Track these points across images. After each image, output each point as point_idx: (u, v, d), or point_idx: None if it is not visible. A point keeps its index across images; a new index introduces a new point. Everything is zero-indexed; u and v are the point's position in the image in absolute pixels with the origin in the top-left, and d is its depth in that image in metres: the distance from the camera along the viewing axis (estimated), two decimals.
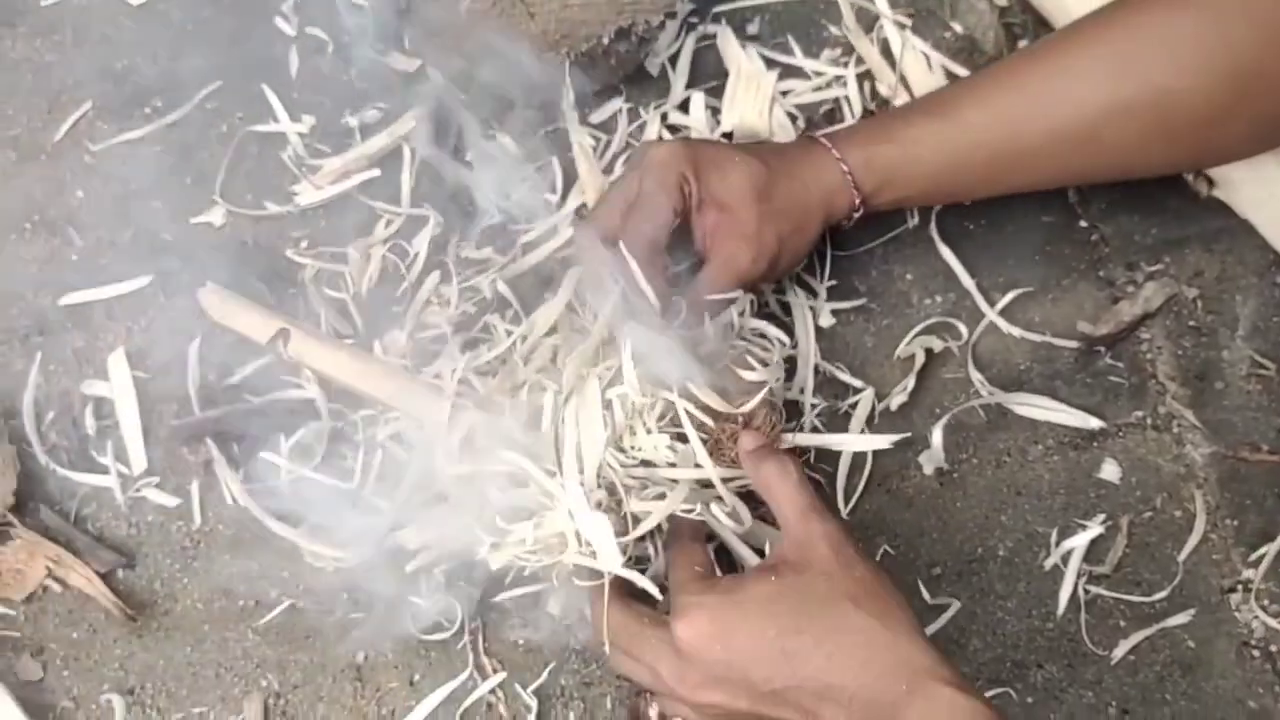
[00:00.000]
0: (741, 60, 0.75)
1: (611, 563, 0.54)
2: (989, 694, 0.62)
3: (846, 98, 0.75)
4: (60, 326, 0.69)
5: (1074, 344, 0.69)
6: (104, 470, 0.65)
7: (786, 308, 0.70)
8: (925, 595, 0.63)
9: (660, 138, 0.73)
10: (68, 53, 0.77)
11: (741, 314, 0.63)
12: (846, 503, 0.65)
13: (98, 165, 0.74)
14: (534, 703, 0.61)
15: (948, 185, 0.65)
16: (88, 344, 0.69)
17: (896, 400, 0.67)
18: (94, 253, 0.71)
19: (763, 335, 0.64)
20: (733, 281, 0.62)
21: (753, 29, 0.78)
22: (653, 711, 0.58)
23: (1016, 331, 0.69)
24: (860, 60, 0.76)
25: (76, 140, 0.74)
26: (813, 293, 0.70)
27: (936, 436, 0.66)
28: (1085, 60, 0.63)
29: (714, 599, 0.52)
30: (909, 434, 0.66)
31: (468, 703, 0.61)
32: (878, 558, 0.64)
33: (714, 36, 0.77)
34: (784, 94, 0.76)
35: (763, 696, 0.51)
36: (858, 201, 0.64)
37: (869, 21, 0.77)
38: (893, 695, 0.49)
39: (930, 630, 0.62)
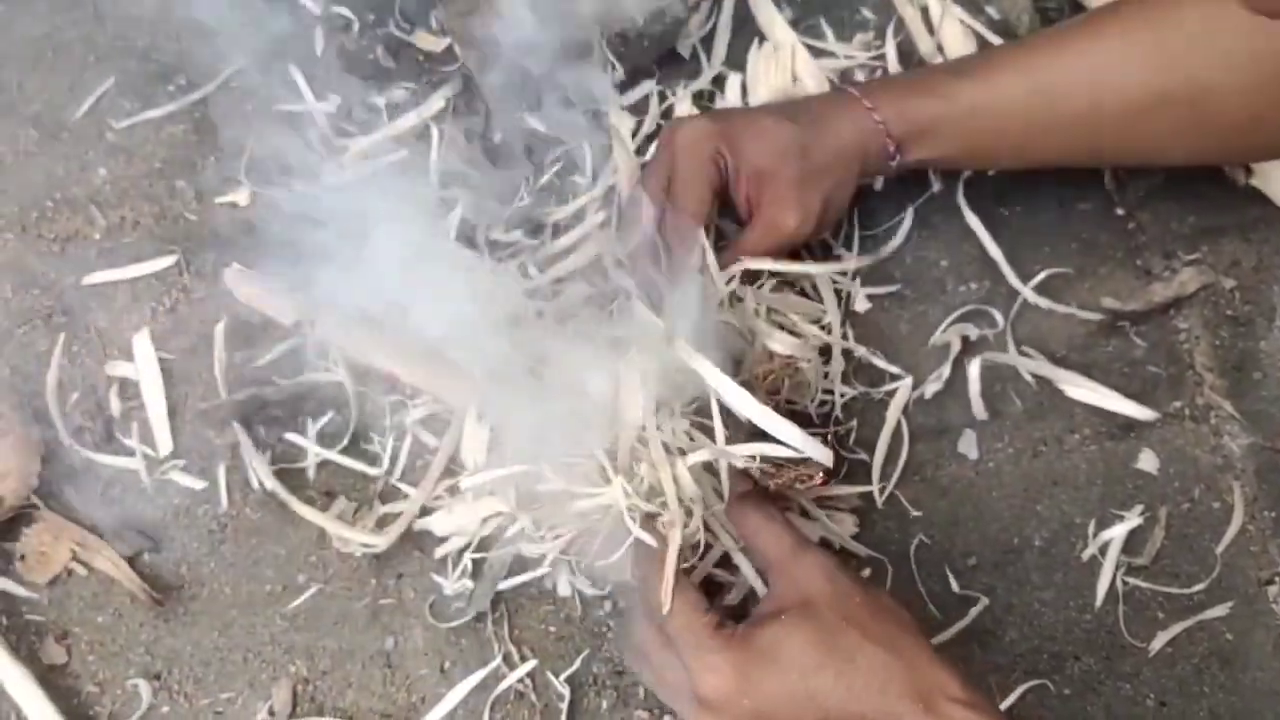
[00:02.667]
0: (775, 24, 0.74)
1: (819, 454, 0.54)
2: (1025, 686, 0.61)
3: (885, 69, 0.74)
4: (83, 307, 0.68)
5: (1098, 316, 0.68)
6: (129, 452, 0.64)
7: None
8: (954, 586, 0.63)
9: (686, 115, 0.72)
10: (89, 30, 0.75)
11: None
12: (881, 492, 0.64)
13: (120, 143, 0.73)
14: (567, 691, 0.60)
15: (979, 149, 0.64)
16: (111, 325, 0.68)
17: (931, 389, 0.67)
18: (117, 232, 0.70)
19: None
20: (778, 244, 0.62)
21: (789, 13, 0.77)
22: None
23: (1044, 302, 0.68)
24: (900, 26, 0.74)
25: (98, 118, 0.73)
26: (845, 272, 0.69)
27: (977, 403, 0.65)
28: (1127, 45, 0.61)
29: (733, 653, 0.51)
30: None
31: (498, 690, 0.60)
32: (913, 548, 0.64)
33: (746, 19, 0.75)
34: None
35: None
36: (892, 149, 0.63)
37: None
38: (911, 717, 0.49)
39: (961, 625, 0.62)
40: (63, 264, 0.69)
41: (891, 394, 0.66)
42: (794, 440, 0.54)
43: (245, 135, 0.72)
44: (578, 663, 0.61)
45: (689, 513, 0.55)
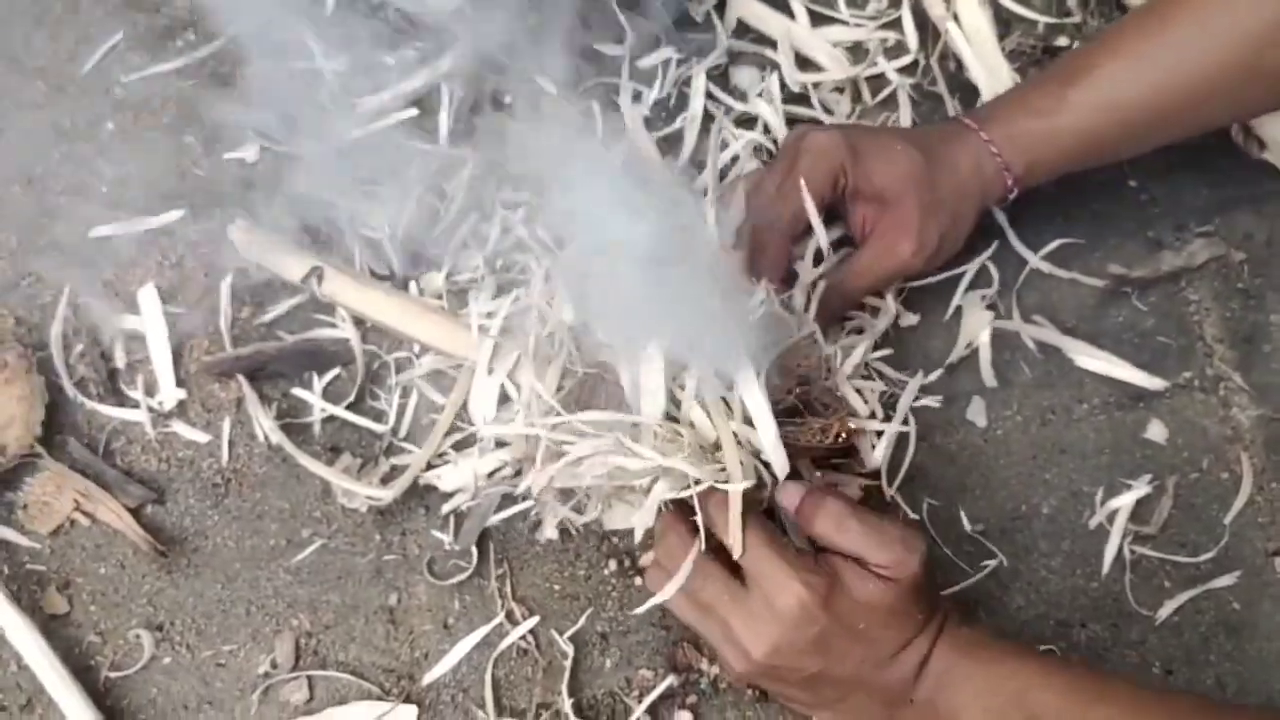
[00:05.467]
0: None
1: (778, 456, 0.53)
2: None
3: (903, 39, 0.74)
4: (89, 259, 0.67)
5: (1103, 282, 0.68)
6: (134, 404, 0.64)
7: None
8: (969, 545, 0.63)
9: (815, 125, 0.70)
10: None
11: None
12: (893, 460, 0.64)
13: (128, 97, 0.72)
14: (570, 648, 0.60)
15: (1100, 151, 0.63)
16: (117, 277, 0.67)
17: (956, 355, 0.66)
18: (123, 185, 0.70)
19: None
20: (891, 273, 0.62)
21: None
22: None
23: (1046, 266, 0.68)
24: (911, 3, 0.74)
25: (106, 71, 0.73)
26: None
27: (986, 371, 0.65)
28: (1219, 12, 0.60)
29: (825, 578, 0.51)
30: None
31: (501, 647, 0.60)
32: (922, 513, 0.63)
33: None
34: (833, 45, 0.74)
35: (837, 680, 0.52)
36: (1010, 183, 0.63)
37: None
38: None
39: (967, 584, 0.62)
40: (69, 216, 0.68)
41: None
42: (767, 444, 0.53)
43: (254, 91, 0.72)
44: (582, 620, 0.60)
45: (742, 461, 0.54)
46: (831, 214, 0.63)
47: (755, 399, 0.53)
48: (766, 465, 0.55)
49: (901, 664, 0.52)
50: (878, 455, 0.60)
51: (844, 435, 0.55)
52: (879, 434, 0.61)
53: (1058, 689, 0.51)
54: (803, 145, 0.61)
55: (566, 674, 0.59)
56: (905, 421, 0.63)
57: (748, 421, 0.54)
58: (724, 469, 0.54)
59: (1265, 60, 0.59)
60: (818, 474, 0.60)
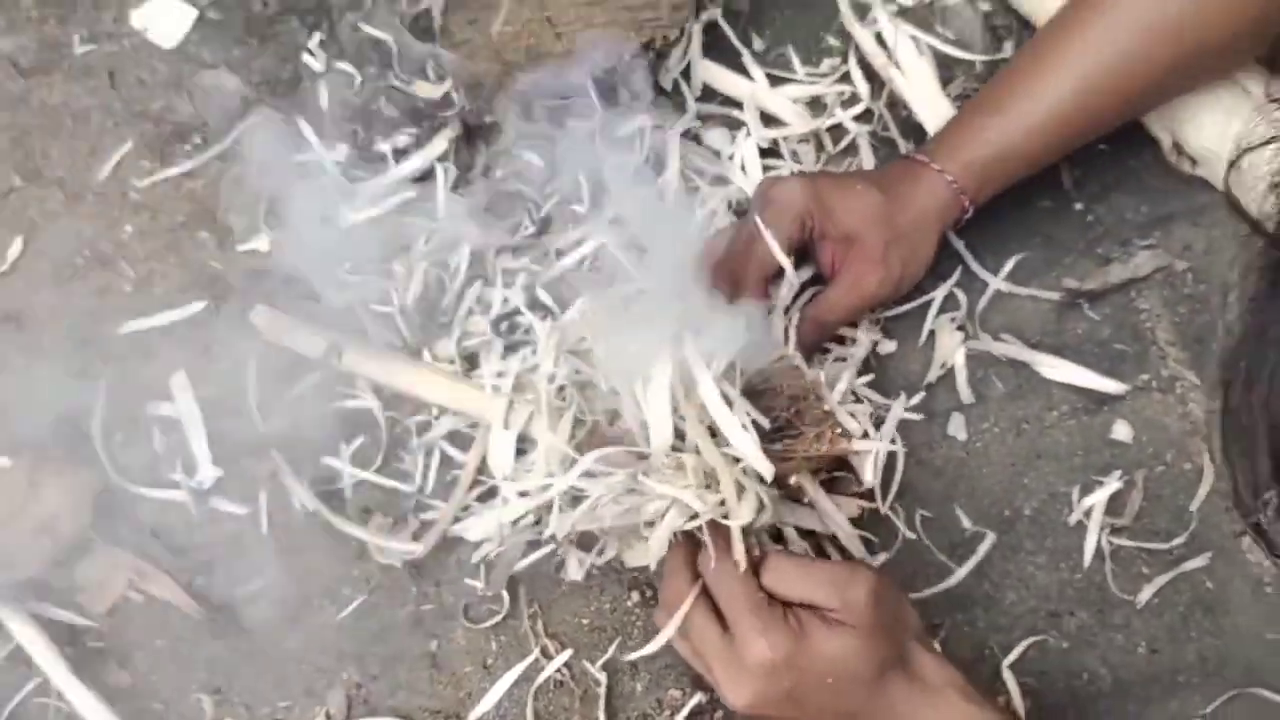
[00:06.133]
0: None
1: (765, 470, 0.58)
2: (1026, 642, 0.66)
3: (855, 91, 0.80)
4: (122, 355, 0.72)
5: (1056, 295, 0.74)
6: (175, 485, 0.68)
7: None
8: (960, 549, 0.68)
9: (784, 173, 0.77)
10: (105, 96, 0.80)
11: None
12: (884, 478, 0.69)
13: (144, 201, 0.77)
14: (603, 676, 0.64)
15: (1047, 155, 0.70)
16: (150, 369, 0.72)
17: (933, 375, 0.72)
18: (147, 283, 0.75)
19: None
20: (861, 303, 0.68)
21: (758, 45, 0.83)
22: None
23: (1005, 286, 0.74)
24: (857, 49, 0.81)
25: (121, 179, 0.78)
26: None
27: (964, 389, 0.71)
28: (1137, 12, 0.67)
29: (788, 635, 0.55)
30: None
31: (539, 681, 0.64)
32: (916, 523, 0.68)
33: (720, 47, 0.81)
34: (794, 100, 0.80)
35: (807, 714, 0.56)
36: (967, 204, 0.69)
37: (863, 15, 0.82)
38: (915, 709, 0.56)
39: (969, 566, 0.68)
40: (99, 315, 0.73)
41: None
42: (749, 453, 0.59)
43: (262, 186, 0.78)
44: (611, 650, 0.65)
45: (741, 489, 0.59)
46: (803, 255, 0.69)
47: (717, 408, 0.58)
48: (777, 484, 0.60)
49: (876, 707, 0.56)
50: (869, 473, 0.66)
51: (837, 439, 0.60)
52: (870, 454, 0.66)
53: None
54: (770, 194, 0.67)
55: (602, 700, 0.64)
56: (893, 440, 0.68)
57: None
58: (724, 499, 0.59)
59: (1185, 41, 0.67)
60: (820, 489, 0.65)
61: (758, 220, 0.66)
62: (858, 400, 0.70)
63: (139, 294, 0.74)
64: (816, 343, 0.69)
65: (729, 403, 0.61)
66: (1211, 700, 0.65)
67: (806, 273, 0.69)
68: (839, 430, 0.63)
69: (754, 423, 0.60)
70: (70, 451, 0.68)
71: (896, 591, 0.57)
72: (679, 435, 0.61)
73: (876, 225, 0.67)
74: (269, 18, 0.82)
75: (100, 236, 0.76)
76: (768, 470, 0.59)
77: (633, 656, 0.64)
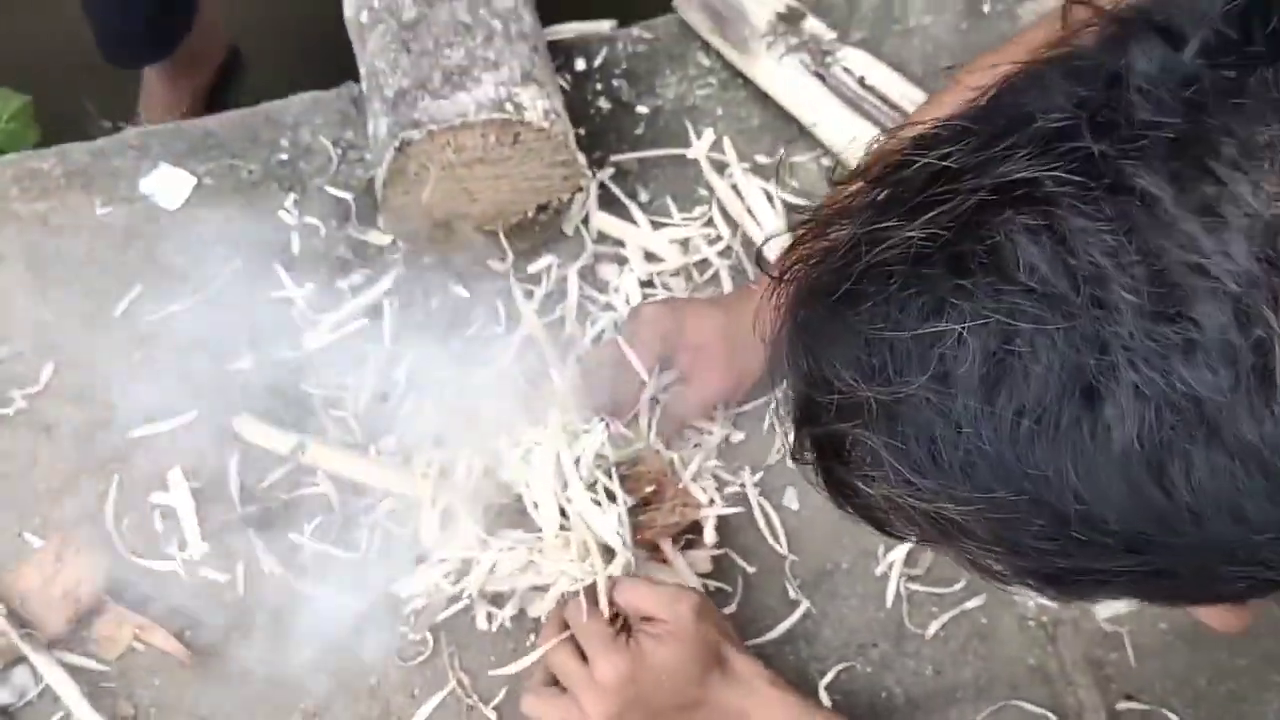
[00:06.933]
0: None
1: (615, 540, 0.77)
2: (839, 667, 0.84)
3: (718, 234, 1.01)
4: (130, 453, 0.91)
5: None
6: (171, 558, 0.87)
7: None
8: (791, 595, 0.86)
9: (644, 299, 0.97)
10: (120, 252, 1.00)
11: None
12: (732, 538, 0.88)
13: (150, 332, 0.97)
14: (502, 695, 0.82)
15: None
16: (152, 465, 0.91)
17: (770, 458, 0.91)
18: (151, 396, 0.94)
19: None
20: (706, 401, 0.87)
21: (643, 196, 1.04)
22: None
23: None
24: (719, 205, 1.02)
25: (133, 315, 0.97)
26: None
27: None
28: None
29: (625, 654, 0.75)
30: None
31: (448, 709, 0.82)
32: (752, 576, 0.87)
33: (612, 199, 1.02)
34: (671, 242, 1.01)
35: (656, 713, 0.75)
36: None
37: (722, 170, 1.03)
38: (736, 698, 0.76)
39: (789, 623, 0.85)
40: (113, 424, 0.92)
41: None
42: (606, 533, 0.78)
43: (247, 317, 0.97)
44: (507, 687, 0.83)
45: (608, 551, 0.78)
46: (665, 363, 0.89)
47: (585, 506, 0.77)
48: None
49: (704, 698, 0.75)
50: (709, 534, 0.84)
51: (688, 509, 0.79)
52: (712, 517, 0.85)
53: None
54: (639, 316, 0.87)
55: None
56: (734, 506, 0.87)
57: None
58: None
59: None
60: (679, 549, 0.84)
61: (622, 340, 0.86)
62: (709, 478, 0.89)
63: (145, 405, 0.94)
64: (674, 432, 0.88)
65: (601, 487, 0.80)
66: (981, 710, 0.83)
67: (669, 377, 0.89)
68: (690, 503, 0.82)
69: (621, 499, 0.80)
70: (88, 532, 0.87)
71: (714, 609, 0.76)
72: (564, 514, 0.81)
73: (718, 339, 0.86)
74: (253, 183, 1.03)
75: (115, 359, 0.96)
76: (620, 548, 0.78)
77: (496, 672, 0.82)
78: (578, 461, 0.81)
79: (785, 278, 0.45)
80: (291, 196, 1.01)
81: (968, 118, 0.41)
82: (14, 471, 0.90)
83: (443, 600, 0.85)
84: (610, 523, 0.77)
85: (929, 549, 0.53)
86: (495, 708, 0.82)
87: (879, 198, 0.41)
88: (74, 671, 0.82)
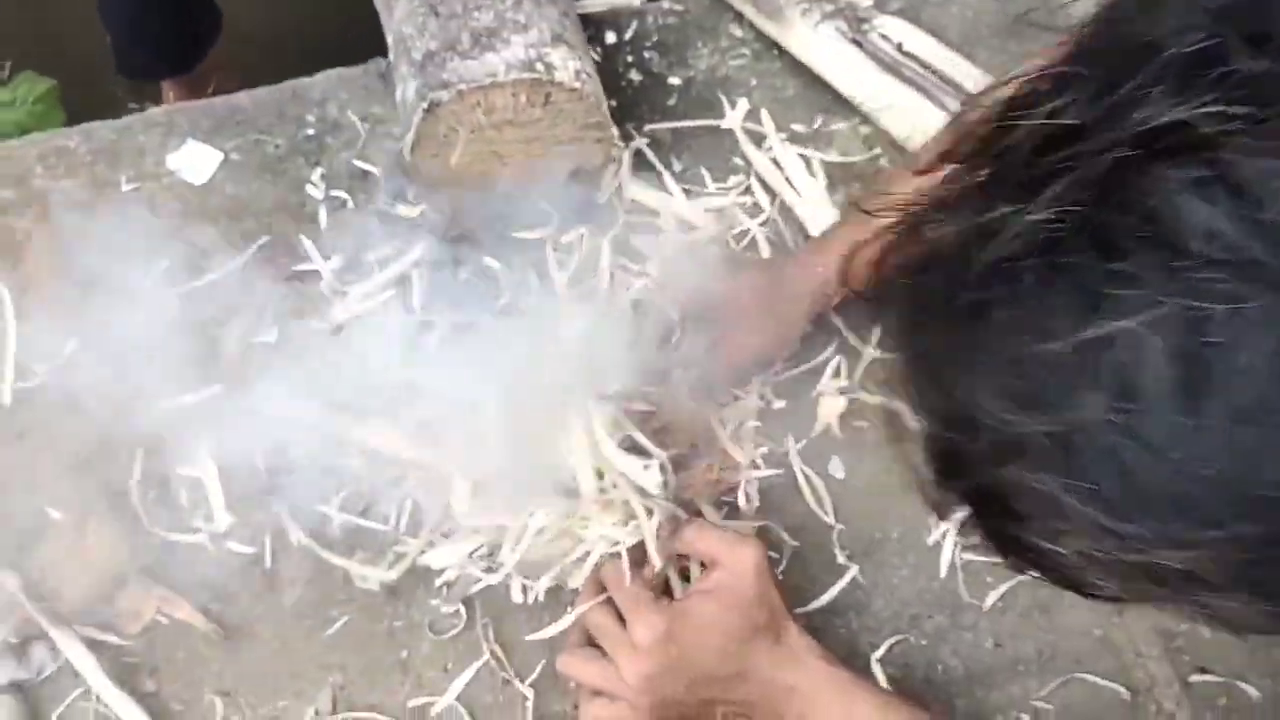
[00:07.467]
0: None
1: (658, 494, 0.73)
2: (893, 640, 0.80)
3: (756, 203, 0.98)
4: (155, 427, 0.88)
5: None
6: (197, 531, 0.84)
7: None
8: (840, 562, 0.82)
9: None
10: (146, 228, 0.98)
11: None
12: (777, 503, 0.84)
13: (181, 304, 0.95)
14: (530, 694, 0.78)
15: None
16: (177, 439, 0.88)
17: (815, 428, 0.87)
18: (179, 369, 0.92)
19: None
20: (745, 363, 0.83)
21: (677, 167, 1.01)
22: None
23: (877, 353, 0.89)
24: (756, 174, 0.99)
25: (159, 290, 0.95)
26: None
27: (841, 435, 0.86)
28: None
29: (668, 614, 0.71)
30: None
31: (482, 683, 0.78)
32: (801, 547, 0.83)
33: (646, 168, 0.99)
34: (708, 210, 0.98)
35: (696, 681, 0.71)
36: (833, 291, 0.84)
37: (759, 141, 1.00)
38: (785, 672, 0.70)
39: (839, 586, 0.81)
40: (140, 396, 0.90)
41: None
42: (632, 472, 0.74)
43: (274, 290, 0.95)
44: (545, 658, 0.79)
45: (650, 511, 0.75)
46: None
47: (624, 462, 0.74)
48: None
49: (750, 667, 0.70)
50: (751, 494, 0.80)
51: (727, 469, 0.76)
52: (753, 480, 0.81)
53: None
54: (673, 270, 0.85)
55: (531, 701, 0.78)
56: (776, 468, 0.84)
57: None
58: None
59: None
60: (715, 511, 0.80)
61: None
62: (749, 442, 0.85)
63: (171, 379, 0.91)
64: (711, 396, 0.84)
65: (637, 446, 0.77)
66: (1046, 685, 0.78)
67: (702, 339, 0.86)
68: (729, 463, 0.79)
69: (659, 456, 0.76)
70: (112, 506, 0.84)
71: (772, 567, 0.72)
72: (601, 478, 0.78)
73: (757, 298, 0.83)
74: (279, 157, 1.01)
75: (140, 333, 0.93)
76: (662, 505, 0.74)
77: (533, 637, 0.78)
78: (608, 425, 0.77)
79: (881, 297, 0.38)
80: (318, 170, 0.99)
81: (1071, 63, 0.33)
82: (36, 445, 0.88)
83: (475, 573, 0.81)
84: (652, 476, 0.74)
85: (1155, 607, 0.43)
86: (532, 684, 0.78)
87: (981, 180, 0.34)
88: (94, 646, 0.79)
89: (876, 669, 0.79)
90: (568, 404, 0.80)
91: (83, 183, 0.99)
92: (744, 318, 0.83)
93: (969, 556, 0.83)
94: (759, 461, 0.83)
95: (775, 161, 1.00)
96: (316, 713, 0.78)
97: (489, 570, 0.81)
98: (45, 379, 0.90)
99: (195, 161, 1.01)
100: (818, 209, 0.97)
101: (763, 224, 0.97)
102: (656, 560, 0.73)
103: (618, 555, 0.74)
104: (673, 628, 0.70)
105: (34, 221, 0.98)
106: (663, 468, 0.76)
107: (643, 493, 0.76)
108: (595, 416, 0.78)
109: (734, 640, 0.70)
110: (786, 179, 0.98)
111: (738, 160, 1.01)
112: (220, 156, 1.01)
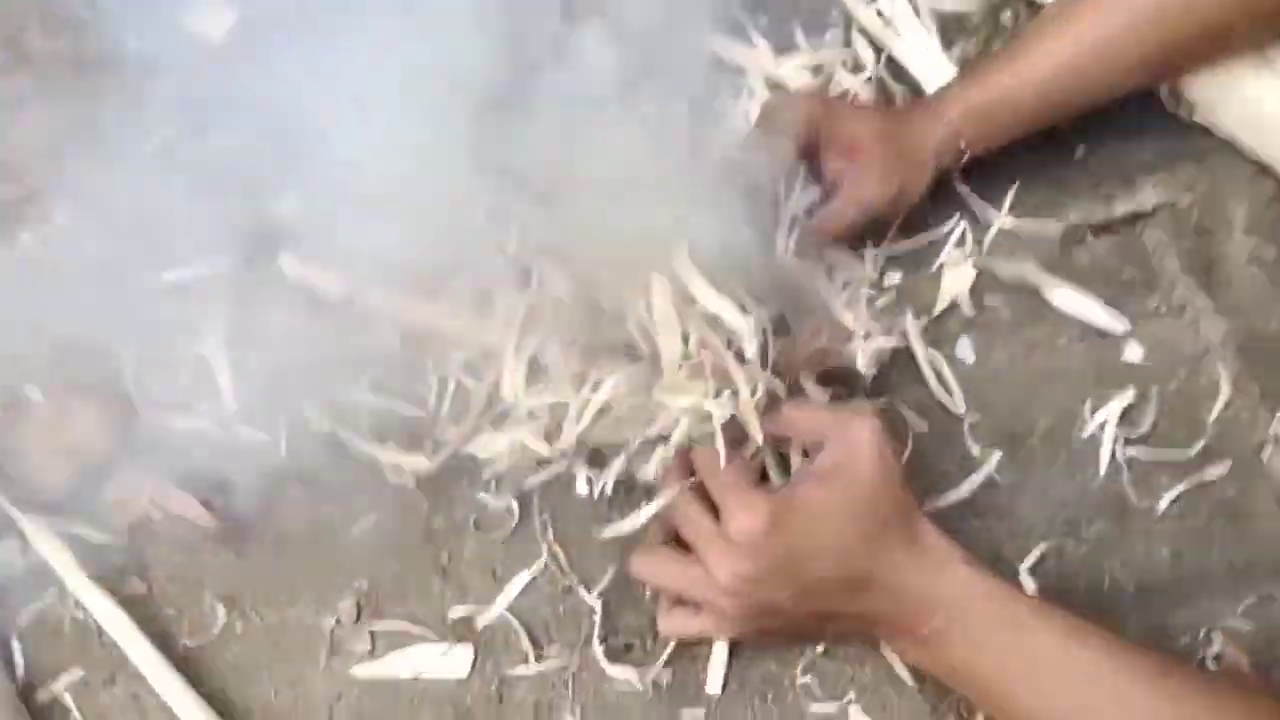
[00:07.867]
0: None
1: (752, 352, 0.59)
2: (1044, 546, 0.65)
3: (858, 59, 0.83)
4: (157, 300, 0.75)
5: (1062, 226, 0.75)
6: (201, 414, 0.70)
7: None
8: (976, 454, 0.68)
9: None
10: (154, 87, 0.85)
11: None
12: (896, 383, 0.69)
13: (186, 172, 0.82)
14: (598, 604, 0.64)
15: (1053, 112, 0.72)
16: (183, 312, 0.75)
17: (939, 308, 0.73)
18: (186, 237, 0.78)
19: None
20: (859, 213, 0.69)
21: (763, 23, 0.87)
22: None
23: (1010, 223, 0.75)
24: (858, 23, 0.85)
25: (166, 153, 0.82)
26: None
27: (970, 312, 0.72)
28: None
29: (774, 501, 0.56)
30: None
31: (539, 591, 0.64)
32: (922, 435, 0.68)
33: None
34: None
35: (807, 587, 0.56)
36: (963, 145, 0.71)
37: None
38: (922, 579, 0.56)
39: (979, 477, 0.67)
40: (140, 265, 0.77)
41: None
42: (726, 314, 0.60)
43: (292, 153, 0.82)
44: (616, 563, 0.65)
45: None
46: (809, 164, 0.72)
47: (715, 301, 0.59)
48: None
49: (881, 571, 0.56)
50: (863, 363, 0.65)
51: (836, 335, 0.61)
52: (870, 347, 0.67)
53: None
54: (786, 100, 0.71)
55: (599, 612, 0.63)
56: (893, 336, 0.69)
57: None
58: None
59: (1195, 11, 0.68)
60: (820, 388, 0.65)
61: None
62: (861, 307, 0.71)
63: (178, 247, 0.78)
64: (817, 254, 0.70)
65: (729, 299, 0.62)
66: (1240, 603, 0.63)
67: (811, 193, 0.71)
68: (839, 331, 0.64)
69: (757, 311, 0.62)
70: (102, 385, 0.71)
71: (898, 456, 0.57)
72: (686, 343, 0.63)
73: (878, 141, 0.69)
74: (299, 14, 0.88)
75: (143, 200, 0.81)
76: (761, 373, 0.60)
77: (604, 535, 0.64)
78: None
79: None
80: None
81: None
82: (16, 320, 0.75)
83: (531, 461, 0.67)
84: (751, 326, 0.59)
85: None
86: (601, 593, 0.64)
87: None
88: (73, 541, 0.66)
89: (1026, 579, 0.64)
90: (650, 260, 0.66)
91: (82, 40, 0.87)
92: (862, 161, 0.69)
93: (1133, 453, 0.68)
94: (874, 333, 0.68)
95: (880, 13, 0.85)
96: (339, 622, 0.64)
97: (546, 461, 0.67)
98: (31, 244, 0.77)
99: (210, 18, 0.89)
100: (934, 64, 0.82)
101: (867, 80, 0.83)
102: (757, 436, 0.59)
103: (709, 433, 0.60)
104: (781, 518, 0.55)
105: (26, 83, 0.86)
106: (763, 330, 0.62)
107: (739, 356, 0.61)
108: (681, 267, 0.63)
109: (859, 537, 0.56)
110: (895, 31, 0.83)
111: (835, 13, 0.86)
112: (236, 14, 0.88)
